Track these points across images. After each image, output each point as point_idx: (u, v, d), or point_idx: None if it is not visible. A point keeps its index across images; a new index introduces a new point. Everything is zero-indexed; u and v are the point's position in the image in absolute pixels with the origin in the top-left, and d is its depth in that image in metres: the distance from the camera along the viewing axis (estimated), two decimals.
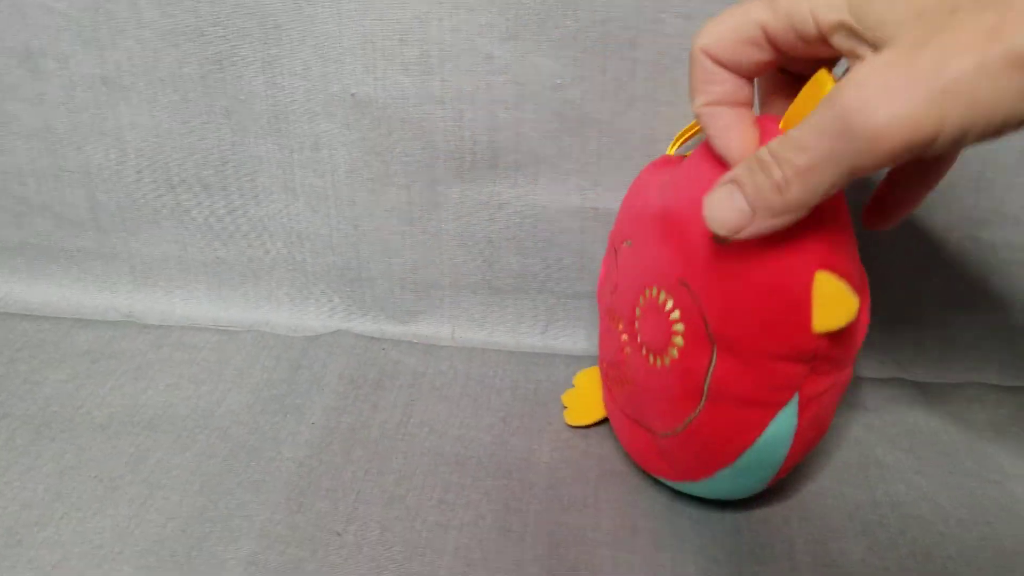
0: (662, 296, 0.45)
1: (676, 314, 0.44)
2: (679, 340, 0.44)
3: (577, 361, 0.63)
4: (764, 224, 0.37)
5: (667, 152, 0.52)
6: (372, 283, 0.65)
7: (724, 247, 0.41)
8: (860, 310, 0.41)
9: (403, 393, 0.60)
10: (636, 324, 0.49)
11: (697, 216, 0.39)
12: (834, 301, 0.39)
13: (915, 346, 0.62)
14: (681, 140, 0.52)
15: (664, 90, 0.56)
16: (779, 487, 0.53)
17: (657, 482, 0.53)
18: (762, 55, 0.38)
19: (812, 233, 0.39)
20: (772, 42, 0.38)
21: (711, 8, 0.53)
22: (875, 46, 0.33)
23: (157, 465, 0.54)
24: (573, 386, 0.60)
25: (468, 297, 0.65)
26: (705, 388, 0.44)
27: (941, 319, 0.61)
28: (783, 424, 0.44)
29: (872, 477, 0.54)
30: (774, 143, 0.36)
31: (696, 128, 0.52)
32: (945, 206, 0.57)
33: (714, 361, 0.43)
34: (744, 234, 0.37)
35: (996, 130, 0.31)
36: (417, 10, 0.55)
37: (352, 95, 0.58)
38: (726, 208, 0.37)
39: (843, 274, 0.40)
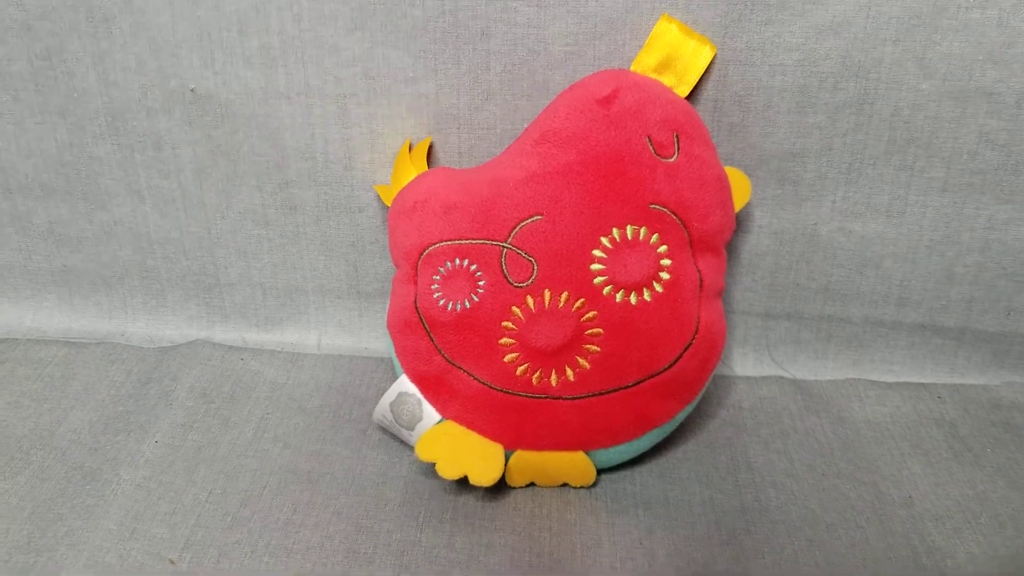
0: (630, 230, 0.48)
1: (655, 237, 0.48)
2: (666, 261, 0.48)
3: None
4: None
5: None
6: (231, 289, 0.61)
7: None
8: None
9: (259, 406, 0.57)
10: (602, 277, 0.48)
11: (641, 143, 0.47)
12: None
13: (793, 343, 0.60)
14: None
15: (521, 83, 0.53)
16: (644, 495, 0.51)
17: (516, 495, 0.51)
18: None
19: None
20: None
21: None
22: None
23: None
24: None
25: (334, 303, 0.62)
26: (699, 286, 0.49)
27: (818, 314, 0.59)
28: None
29: (742, 481, 0.52)
30: None
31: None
32: (815, 199, 0.55)
33: (699, 265, 0.49)
34: None
35: None
36: None
37: (192, 90, 0.54)
38: None
39: None
